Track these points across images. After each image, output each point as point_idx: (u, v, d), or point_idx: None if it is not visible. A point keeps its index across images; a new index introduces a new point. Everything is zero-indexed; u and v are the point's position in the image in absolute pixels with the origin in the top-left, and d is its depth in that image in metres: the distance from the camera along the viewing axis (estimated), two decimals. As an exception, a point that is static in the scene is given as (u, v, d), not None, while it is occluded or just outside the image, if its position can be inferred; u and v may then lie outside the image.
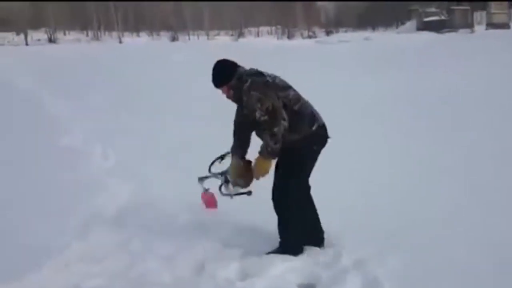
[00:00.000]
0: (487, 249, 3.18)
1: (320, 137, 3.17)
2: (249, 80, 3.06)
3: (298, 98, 3.13)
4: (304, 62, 15.38)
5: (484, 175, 4.66)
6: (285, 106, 3.01)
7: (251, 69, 3.22)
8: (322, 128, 3.17)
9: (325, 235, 3.35)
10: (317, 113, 3.19)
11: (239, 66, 3.23)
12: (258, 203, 3.39)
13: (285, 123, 2.97)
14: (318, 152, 3.20)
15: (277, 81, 3.12)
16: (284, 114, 2.97)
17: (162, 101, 10.17)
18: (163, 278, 3.02)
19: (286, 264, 3.12)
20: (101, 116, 8.59)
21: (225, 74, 3.20)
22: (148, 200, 4.31)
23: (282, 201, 3.16)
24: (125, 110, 9.22)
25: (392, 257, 3.11)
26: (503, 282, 2.83)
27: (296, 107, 3.07)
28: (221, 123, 7.07)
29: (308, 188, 3.27)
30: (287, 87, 3.14)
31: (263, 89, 3.01)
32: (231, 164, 3.33)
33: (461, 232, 3.44)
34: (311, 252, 3.24)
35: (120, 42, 49.95)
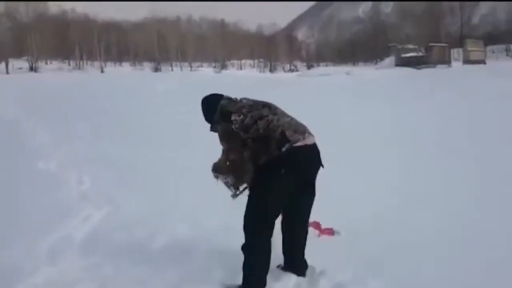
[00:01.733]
0: (469, 275, 3.13)
1: (291, 159, 2.85)
2: (219, 128, 3.05)
3: (268, 122, 2.92)
4: (286, 94, 15.51)
5: (464, 201, 4.66)
6: (253, 139, 2.91)
7: (226, 104, 3.12)
8: (295, 149, 2.86)
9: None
10: (293, 135, 2.88)
11: (220, 100, 3.16)
12: (236, 225, 3.29)
13: (247, 177, 2.98)
14: (291, 177, 2.87)
15: (246, 121, 2.94)
16: (248, 166, 2.93)
17: (140, 130, 10.14)
18: (135, 303, 2.91)
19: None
20: (79, 144, 8.50)
21: (206, 112, 3.21)
22: (120, 224, 4.21)
23: (244, 231, 2.98)
24: (103, 138, 9.15)
25: (372, 282, 3.04)
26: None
27: (263, 133, 2.89)
28: (196, 149, 7.17)
29: (271, 225, 2.97)
30: (257, 120, 2.94)
31: (227, 140, 3.00)
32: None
33: (443, 257, 3.39)
34: (290, 276, 3.15)
35: (102, 71, 50.07)
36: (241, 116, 2.98)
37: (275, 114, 3.01)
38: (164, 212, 4.49)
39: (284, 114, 3.06)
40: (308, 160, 2.95)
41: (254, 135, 2.90)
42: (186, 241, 3.76)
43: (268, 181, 2.89)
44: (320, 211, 3.55)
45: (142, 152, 7.63)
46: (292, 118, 3.06)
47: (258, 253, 2.93)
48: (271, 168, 2.86)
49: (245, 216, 2.96)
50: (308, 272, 3.19)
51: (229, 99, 3.19)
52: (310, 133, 3.00)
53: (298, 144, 2.87)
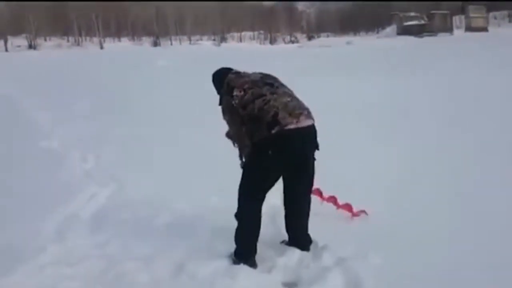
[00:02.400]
0: (469, 251, 3.17)
1: (280, 141, 2.86)
2: (223, 102, 3.16)
3: (265, 102, 2.93)
4: (287, 66, 15.42)
5: (467, 178, 4.64)
6: (250, 116, 2.95)
7: (232, 78, 3.19)
8: (287, 132, 2.85)
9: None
10: (285, 118, 2.86)
11: (229, 74, 3.25)
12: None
13: (245, 151, 3.09)
14: (278, 158, 2.91)
15: (245, 97, 2.99)
16: (247, 141, 3.01)
17: (142, 106, 10.09)
18: (141, 279, 2.95)
19: (268, 263, 3.09)
20: (81, 121, 8.51)
21: (215, 86, 3.34)
22: (125, 202, 4.25)
23: (237, 201, 3.09)
24: (105, 115, 9.14)
25: (373, 255, 3.08)
26: (483, 283, 2.82)
27: (257, 113, 2.91)
28: (198, 126, 7.20)
29: (259, 199, 3.06)
30: (256, 98, 2.96)
31: (229, 114, 3.09)
32: None
33: (443, 232, 3.43)
34: (294, 251, 3.20)
35: (102, 47, 49.73)
36: (242, 92, 3.03)
37: (274, 93, 3.00)
38: (168, 190, 4.52)
39: (284, 94, 3.04)
40: (299, 142, 2.94)
41: (251, 113, 2.94)
42: (190, 218, 3.80)
43: (257, 159, 2.98)
44: (329, 185, 3.59)
45: (144, 129, 7.62)
46: (292, 99, 3.02)
47: (246, 221, 3.07)
48: (261, 147, 2.92)
49: (238, 188, 3.09)
50: (311, 246, 3.24)
51: (237, 73, 3.27)
52: (308, 116, 2.98)
53: (290, 127, 2.86)
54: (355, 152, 5.69)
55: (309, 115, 2.99)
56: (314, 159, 3.11)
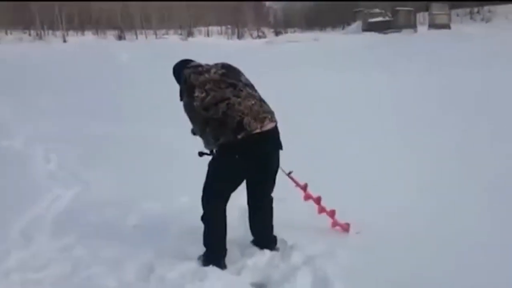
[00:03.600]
0: (437, 246, 3.24)
1: (245, 146, 2.87)
2: (184, 102, 3.09)
3: (228, 106, 2.89)
4: (255, 62, 15.44)
5: (436, 174, 4.75)
6: (213, 119, 2.92)
7: (189, 73, 3.08)
8: (252, 137, 2.86)
9: (276, 233, 3.32)
10: (250, 124, 2.86)
11: (186, 68, 3.16)
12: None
13: (209, 147, 3.09)
14: (243, 162, 2.93)
15: (207, 100, 2.92)
16: (211, 140, 2.99)
17: (106, 103, 9.92)
18: (109, 282, 2.90)
19: (237, 264, 3.09)
20: (44, 119, 8.30)
21: (176, 79, 3.26)
22: (91, 203, 4.18)
23: (201, 203, 3.09)
24: (68, 112, 8.96)
25: (342, 253, 3.13)
26: (454, 280, 2.87)
27: (222, 117, 2.88)
28: (165, 124, 7.11)
29: (223, 200, 3.05)
30: (219, 101, 2.91)
31: (189, 114, 3.05)
32: None
33: (413, 230, 3.48)
34: (263, 251, 3.21)
35: (65, 41, 48.51)
36: (203, 94, 2.95)
37: (238, 96, 2.95)
38: (135, 190, 4.47)
39: (248, 96, 2.99)
40: (264, 146, 2.97)
41: (214, 116, 2.91)
42: (158, 219, 3.77)
43: (222, 162, 2.98)
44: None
45: (109, 127, 7.48)
46: (255, 102, 2.99)
47: (213, 223, 3.07)
48: (227, 151, 2.92)
49: (203, 189, 3.08)
50: (280, 246, 3.26)
51: (195, 67, 3.14)
52: (271, 119, 2.98)
53: (255, 131, 2.87)
54: (324, 143, 5.77)
55: (272, 118, 3.00)
56: (278, 160, 3.13)
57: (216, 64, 3.17)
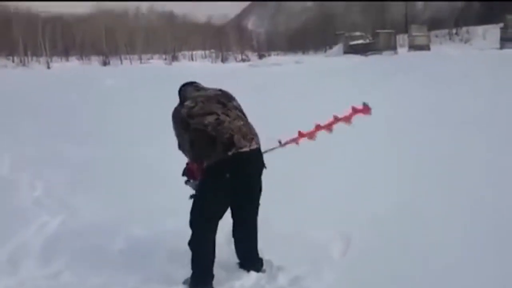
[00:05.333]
0: (423, 261, 3.29)
1: (236, 163, 2.94)
2: (172, 111, 3.21)
3: (218, 122, 2.98)
4: (239, 84, 15.59)
5: (418, 190, 4.85)
6: (200, 131, 2.98)
7: (189, 90, 3.29)
8: (242, 155, 2.94)
9: (261, 254, 3.36)
10: (240, 141, 2.95)
11: (183, 89, 3.33)
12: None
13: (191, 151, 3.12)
14: (234, 181, 2.98)
15: (195, 109, 3.04)
16: (193, 146, 3.05)
17: (91, 128, 9.91)
18: (97, 309, 2.93)
19: (224, 286, 3.13)
20: (28, 145, 8.24)
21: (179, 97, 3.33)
22: (77, 230, 4.18)
23: (190, 227, 3.11)
24: (53, 138, 8.90)
25: (327, 273, 3.18)
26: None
27: (211, 132, 2.95)
28: (150, 147, 7.15)
29: (213, 226, 3.08)
30: (207, 113, 3.02)
31: (176, 129, 3.16)
32: None
33: (396, 244, 3.54)
34: (250, 274, 3.25)
35: (49, 67, 48.39)
36: (193, 104, 3.09)
37: (227, 115, 3.06)
38: (121, 214, 4.48)
39: (237, 117, 3.11)
40: (251, 165, 3.06)
41: (199, 127, 2.97)
42: (145, 244, 3.79)
43: (211, 183, 3.01)
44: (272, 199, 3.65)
45: (94, 152, 7.48)
46: (244, 123, 3.11)
47: (201, 250, 3.08)
48: (217, 170, 2.96)
49: (190, 213, 3.09)
50: (266, 267, 3.31)
51: (197, 86, 3.35)
52: (256, 141, 3.10)
53: (245, 149, 2.97)
54: (310, 162, 5.86)
55: (257, 141, 3.13)
56: (261, 182, 3.21)
57: (214, 88, 3.34)
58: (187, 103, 3.11)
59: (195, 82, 3.43)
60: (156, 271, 3.34)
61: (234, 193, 3.06)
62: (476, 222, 3.85)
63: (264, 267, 3.32)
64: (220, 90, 3.31)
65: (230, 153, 2.91)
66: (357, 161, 6.04)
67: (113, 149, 7.59)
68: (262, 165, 3.15)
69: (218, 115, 3.02)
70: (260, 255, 3.36)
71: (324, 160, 5.95)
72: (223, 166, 2.93)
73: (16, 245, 3.90)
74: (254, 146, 3.04)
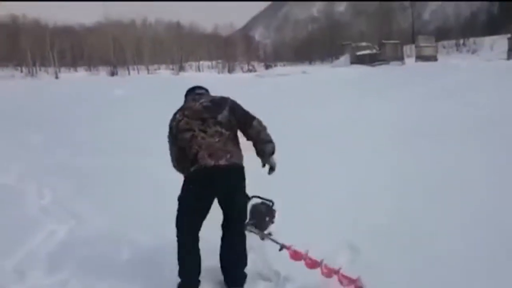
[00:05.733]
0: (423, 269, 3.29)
1: (198, 177, 3.09)
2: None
3: (191, 138, 3.12)
4: (245, 95, 15.63)
5: (409, 198, 4.85)
6: (180, 146, 3.21)
7: (189, 99, 3.39)
8: (203, 170, 3.05)
9: (268, 265, 3.36)
10: (204, 159, 3.05)
11: (186, 95, 3.46)
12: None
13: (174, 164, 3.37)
14: (200, 193, 3.12)
15: (181, 124, 3.18)
16: (175, 158, 3.32)
17: (99, 138, 9.98)
18: (104, 318, 2.94)
19: None
20: (37, 154, 8.34)
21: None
22: (84, 238, 4.21)
23: None
24: (61, 147, 8.99)
25: (334, 285, 3.16)
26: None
27: (186, 147, 3.15)
28: (159, 158, 7.15)
29: (188, 229, 3.19)
30: (186, 130, 3.15)
31: (168, 138, 3.32)
32: None
33: (401, 254, 3.55)
34: (257, 282, 3.24)
35: (57, 77, 48.78)
36: (181, 117, 3.21)
37: (204, 131, 3.12)
38: (128, 223, 4.50)
39: (215, 134, 3.12)
40: (217, 180, 3.09)
41: (180, 144, 3.18)
42: (151, 252, 3.82)
43: (181, 193, 3.20)
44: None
45: (102, 160, 7.55)
46: (220, 140, 3.12)
47: (182, 250, 3.20)
48: (185, 183, 3.19)
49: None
50: (274, 277, 3.30)
51: (197, 94, 3.40)
52: (229, 159, 3.09)
53: (207, 165, 3.05)
54: (316, 172, 5.88)
55: (231, 158, 3.11)
56: (243, 197, 3.30)
57: (213, 96, 3.35)
58: (178, 114, 3.25)
59: (199, 87, 3.48)
60: (162, 280, 3.35)
61: (201, 201, 3.16)
62: (478, 232, 3.85)
63: (271, 277, 3.32)
64: (213, 100, 3.28)
65: (192, 169, 3.09)
66: (361, 171, 6.03)
67: (120, 159, 7.64)
68: (234, 181, 3.17)
69: (194, 131, 3.13)
70: (261, 267, 3.38)
71: (327, 171, 5.96)
72: (188, 180, 3.15)
73: (23, 254, 3.93)
74: (223, 163, 3.07)
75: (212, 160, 3.05)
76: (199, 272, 3.21)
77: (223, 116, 3.19)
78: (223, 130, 3.15)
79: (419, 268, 3.34)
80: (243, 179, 3.22)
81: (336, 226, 4.07)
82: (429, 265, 3.36)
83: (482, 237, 3.76)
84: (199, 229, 3.20)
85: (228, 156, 3.10)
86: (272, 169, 3.26)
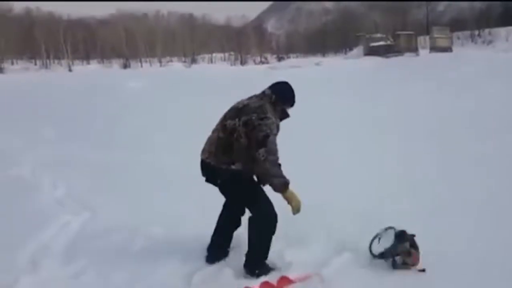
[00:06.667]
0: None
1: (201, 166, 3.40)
2: None
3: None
4: (258, 87, 15.59)
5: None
6: None
7: None
8: (201, 161, 3.37)
9: None
10: (204, 150, 3.37)
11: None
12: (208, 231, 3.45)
13: None
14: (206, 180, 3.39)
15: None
16: None
17: (112, 130, 10.04)
18: (119, 308, 2.95)
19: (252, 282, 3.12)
20: (51, 147, 8.39)
21: None
22: (99, 230, 4.22)
23: None
24: (75, 140, 9.05)
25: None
26: None
27: None
28: (172, 150, 7.20)
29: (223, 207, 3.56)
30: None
31: None
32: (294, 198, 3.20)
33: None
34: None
35: (70, 70, 49.13)
36: None
37: (217, 127, 3.37)
38: (142, 215, 4.53)
39: (215, 130, 3.37)
40: (205, 171, 3.38)
41: None
42: (165, 243, 3.83)
43: None
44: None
45: (115, 153, 7.58)
46: (212, 135, 3.38)
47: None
48: None
49: None
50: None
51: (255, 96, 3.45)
52: (209, 156, 3.31)
53: (201, 157, 3.39)
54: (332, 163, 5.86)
55: (207, 159, 3.32)
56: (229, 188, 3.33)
57: (250, 101, 3.35)
58: None
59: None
60: (174, 270, 3.36)
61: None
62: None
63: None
64: (240, 102, 3.35)
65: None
66: (361, 164, 6.00)
67: (133, 151, 7.67)
68: (216, 175, 3.28)
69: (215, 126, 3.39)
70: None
71: (323, 165, 5.93)
72: None
73: (38, 245, 3.95)
74: (204, 157, 3.34)
75: (203, 154, 3.36)
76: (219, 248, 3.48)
77: (231, 123, 3.24)
78: (221, 134, 3.28)
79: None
80: (231, 181, 3.25)
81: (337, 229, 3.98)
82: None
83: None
84: (230, 210, 3.48)
85: (207, 155, 3.32)
86: (294, 209, 3.18)
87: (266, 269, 3.28)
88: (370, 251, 3.32)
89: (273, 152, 3.08)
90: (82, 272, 3.44)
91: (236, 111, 3.26)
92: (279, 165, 3.15)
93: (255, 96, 3.38)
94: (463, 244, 3.54)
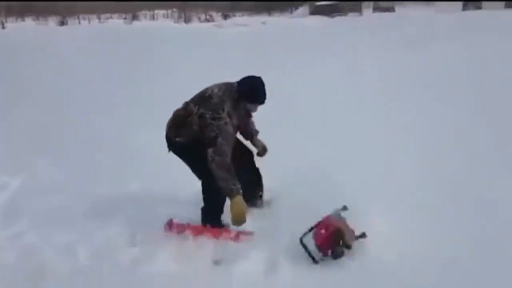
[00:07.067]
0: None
1: None
2: None
3: None
4: (204, 46, 15.34)
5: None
6: None
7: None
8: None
9: None
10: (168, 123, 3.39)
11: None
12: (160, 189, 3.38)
13: None
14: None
15: None
16: None
17: (49, 91, 9.58)
18: (63, 268, 2.91)
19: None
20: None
21: None
22: (38, 191, 4.11)
23: None
24: (10, 101, 8.60)
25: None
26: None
27: None
28: (111, 112, 6.97)
29: None
30: None
31: None
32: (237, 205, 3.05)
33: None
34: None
35: (3, 27, 46.15)
36: None
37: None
38: (82, 177, 4.45)
39: (180, 108, 3.38)
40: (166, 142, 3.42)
41: None
42: (108, 204, 3.80)
43: None
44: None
45: (53, 115, 7.29)
46: (176, 109, 3.40)
47: None
48: None
49: None
50: None
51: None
52: (167, 124, 3.38)
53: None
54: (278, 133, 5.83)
55: (167, 124, 3.39)
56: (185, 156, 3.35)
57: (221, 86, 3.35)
58: None
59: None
60: (120, 231, 3.34)
61: None
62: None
63: None
64: (210, 95, 3.24)
65: None
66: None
67: (71, 113, 7.41)
68: (168, 145, 3.36)
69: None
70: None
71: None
72: None
73: (-25, 208, 3.79)
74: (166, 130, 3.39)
75: (166, 127, 3.39)
76: None
77: (192, 107, 3.25)
78: (181, 111, 3.32)
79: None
80: (178, 151, 3.33)
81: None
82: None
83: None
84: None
85: (166, 128, 3.36)
86: (232, 220, 3.10)
87: (217, 224, 3.34)
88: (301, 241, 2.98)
89: (222, 153, 3.03)
90: (23, 233, 3.38)
91: (200, 99, 3.26)
92: (230, 166, 3.05)
93: (225, 86, 3.29)
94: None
